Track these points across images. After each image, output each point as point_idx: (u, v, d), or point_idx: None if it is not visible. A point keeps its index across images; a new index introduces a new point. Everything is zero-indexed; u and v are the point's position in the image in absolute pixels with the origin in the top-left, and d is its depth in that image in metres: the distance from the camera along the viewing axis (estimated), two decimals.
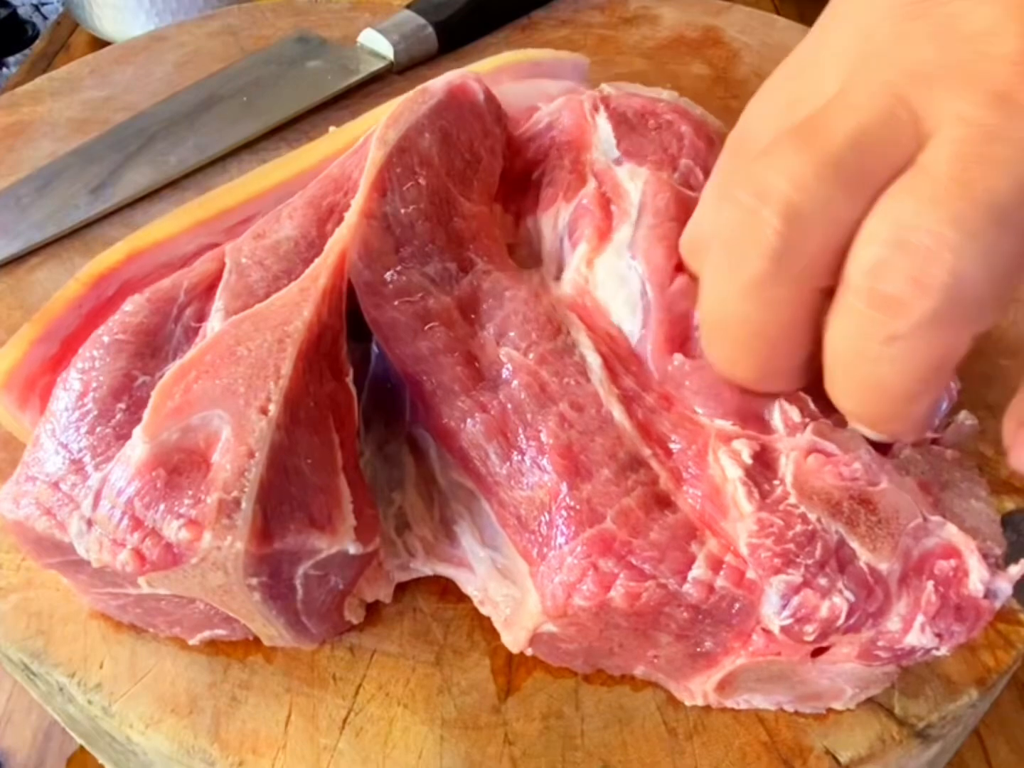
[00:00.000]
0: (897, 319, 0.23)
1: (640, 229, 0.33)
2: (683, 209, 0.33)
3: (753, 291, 0.25)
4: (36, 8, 0.96)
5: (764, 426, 0.29)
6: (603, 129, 0.37)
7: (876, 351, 0.24)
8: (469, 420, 0.29)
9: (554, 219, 0.35)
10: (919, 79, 0.24)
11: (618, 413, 0.29)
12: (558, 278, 0.34)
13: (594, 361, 0.30)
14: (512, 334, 0.30)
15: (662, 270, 0.32)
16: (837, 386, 0.26)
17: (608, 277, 0.32)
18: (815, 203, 0.24)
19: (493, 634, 0.31)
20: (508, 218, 0.36)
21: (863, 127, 0.24)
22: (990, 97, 0.23)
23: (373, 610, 0.32)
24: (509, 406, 0.29)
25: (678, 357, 0.30)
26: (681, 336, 0.31)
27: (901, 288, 0.23)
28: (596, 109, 0.38)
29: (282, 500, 0.26)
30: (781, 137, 0.25)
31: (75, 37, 0.88)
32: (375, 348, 0.33)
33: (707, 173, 0.37)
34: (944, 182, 0.23)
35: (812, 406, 0.29)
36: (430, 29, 0.56)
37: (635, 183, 0.34)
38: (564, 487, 0.27)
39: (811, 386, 0.29)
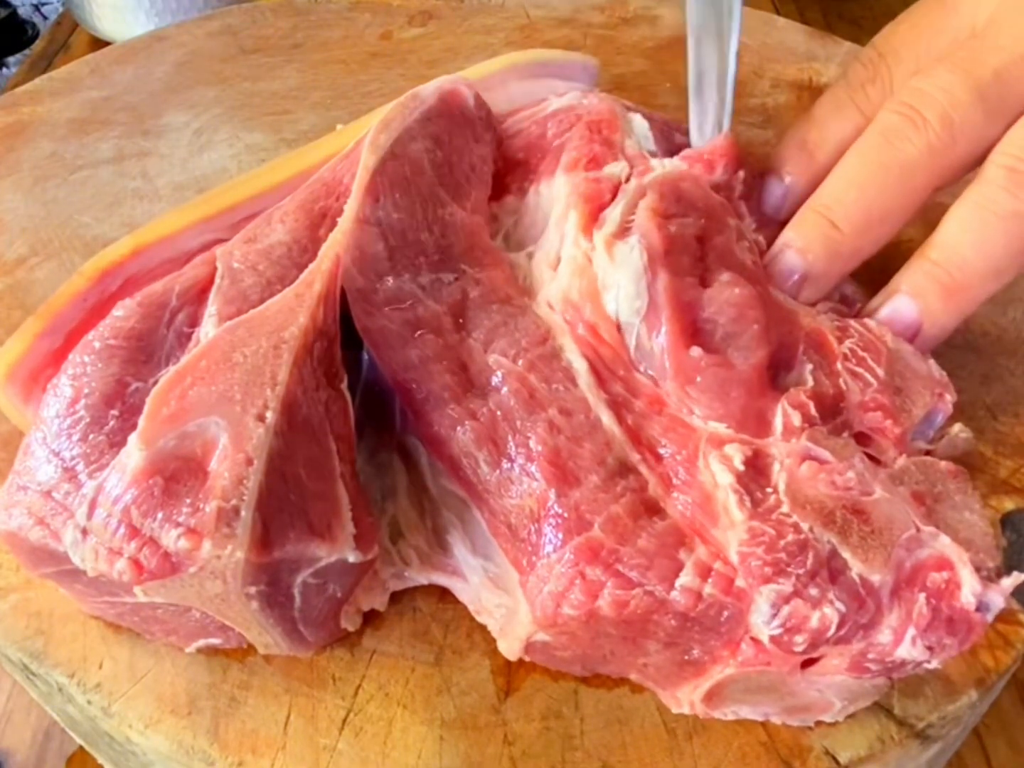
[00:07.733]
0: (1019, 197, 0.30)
1: (642, 209, 0.32)
2: (690, 198, 0.33)
3: (903, 170, 0.32)
4: (36, 8, 0.96)
5: (764, 428, 0.29)
6: (639, 124, 0.37)
7: (993, 221, 0.31)
8: (459, 428, 0.29)
9: (572, 183, 0.34)
10: None
11: (606, 418, 0.29)
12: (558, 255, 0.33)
13: (580, 366, 0.30)
14: (501, 341, 0.30)
15: (659, 253, 0.31)
16: (937, 243, 0.33)
17: (611, 252, 0.32)
18: (964, 120, 0.32)
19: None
20: (508, 198, 0.36)
21: (1006, 64, 0.31)
22: None
23: (373, 610, 0.32)
24: (499, 413, 0.29)
25: (696, 350, 0.30)
26: (692, 328, 0.30)
27: None
28: (627, 108, 0.38)
29: (281, 508, 0.26)
30: (939, 62, 0.33)
31: (75, 37, 0.88)
32: (366, 356, 0.32)
33: (726, 191, 0.37)
34: None
35: (814, 411, 0.29)
36: None
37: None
38: (552, 494, 0.27)
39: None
